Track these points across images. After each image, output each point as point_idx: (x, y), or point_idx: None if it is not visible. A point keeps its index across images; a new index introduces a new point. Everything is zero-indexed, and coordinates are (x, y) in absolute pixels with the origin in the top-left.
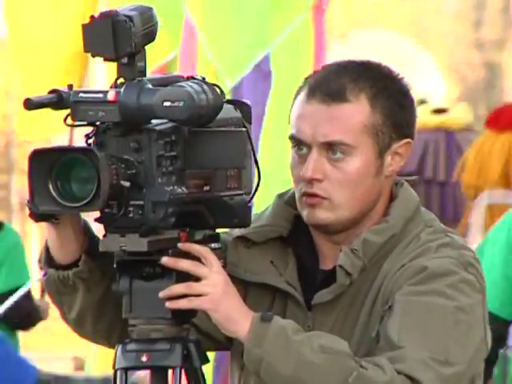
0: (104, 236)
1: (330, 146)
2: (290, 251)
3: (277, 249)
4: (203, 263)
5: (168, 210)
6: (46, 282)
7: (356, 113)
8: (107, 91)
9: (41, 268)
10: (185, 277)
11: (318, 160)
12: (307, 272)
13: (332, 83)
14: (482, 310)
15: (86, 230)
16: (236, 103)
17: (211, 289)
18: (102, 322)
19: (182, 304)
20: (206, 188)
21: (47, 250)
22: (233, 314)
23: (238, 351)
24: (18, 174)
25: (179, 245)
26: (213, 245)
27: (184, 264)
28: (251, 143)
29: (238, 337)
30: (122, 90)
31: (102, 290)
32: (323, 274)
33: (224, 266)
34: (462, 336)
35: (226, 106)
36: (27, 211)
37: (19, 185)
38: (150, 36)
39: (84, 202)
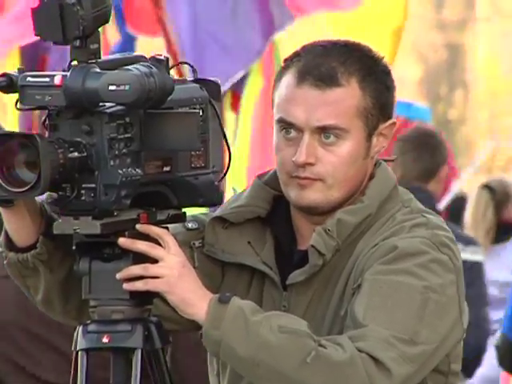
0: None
1: (322, 131)
2: (268, 232)
3: (254, 229)
4: (161, 245)
5: (121, 193)
6: (8, 265)
7: (348, 97)
8: (54, 75)
9: (1, 253)
10: (142, 258)
11: (310, 144)
12: (284, 252)
13: (322, 67)
14: (456, 291)
15: (43, 211)
16: (203, 82)
17: (167, 271)
18: (70, 302)
19: (138, 286)
20: (166, 168)
21: (6, 233)
22: (190, 296)
23: None
24: None
25: (137, 226)
26: (190, 224)
27: (140, 245)
28: (219, 121)
29: (196, 319)
30: (68, 73)
31: (65, 270)
32: (299, 254)
33: (201, 246)
34: (431, 315)
35: (190, 85)
36: None
37: None
38: (103, 17)
39: (27, 187)
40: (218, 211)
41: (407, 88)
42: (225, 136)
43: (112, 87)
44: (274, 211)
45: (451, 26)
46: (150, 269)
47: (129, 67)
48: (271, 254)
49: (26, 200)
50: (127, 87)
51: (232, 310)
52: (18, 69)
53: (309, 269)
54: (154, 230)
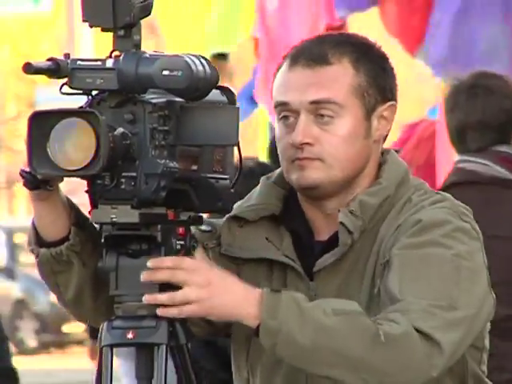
0: (94, 208)
1: (317, 109)
2: (283, 228)
3: (270, 226)
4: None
5: (160, 183)
6: (39, 263)
7: (341, 74)
8: (105, 60)
9: (32, 251)
10: (172, 252)
11: (307, 124)
12: (303, 245)
13: (313, 49)
14: (482, 258)
15: (70, 202)
16: (221, 88)
17: (195, 294)
18: (100, 297)
19: (173, 313)
20: (194, 167)
21: (35, 230)
22: (230, 304)
23: (242, 336)
24: (4, 152)
25: (148, 264)
26: (203, 227)
27: (161, 275)
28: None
29: (247, 321)
30: (121, 58)
31: (95, 263)
32: (320, 245)
33: (215, 247)
34: (466, 281)
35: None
36: (17, 186)
37: (5, 162)
38: (147, 10)
39: (83, 165)
40: (233, 211)
41: (430, 85)
42: (238, 145)
43: (165, 72)
44: (286, 209)
45: None
46: (177, 297)
47: (180, 54)
48: (291, 247)
49: (83, 178)
50: (180, 73)
51: (285, 299)
52: (65, 54)
53: (339, 249)
54: (167, 264)
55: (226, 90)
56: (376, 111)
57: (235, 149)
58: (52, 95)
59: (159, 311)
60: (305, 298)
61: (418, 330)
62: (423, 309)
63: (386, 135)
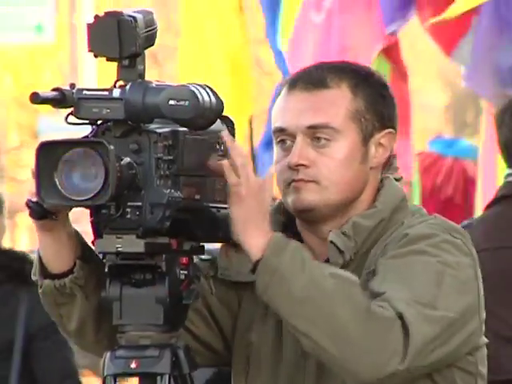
0: (98, 237)
1: (314, 133)
2: None
3: None
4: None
5: (166, 213)
6: (43, 294)
7: (338, 98)
8: (112, 89)
9: (36, 281)
10: (176, 282)
11: (303, 147)
12: None
13: (313, 73)
14: (475, 276)
15: (77, 234)
16: (221, 118)
17: (252, 188)
18: (102, 330)
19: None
20: (197, 197)
21: (40, 260)
22: (253, 226)
23: (241, 359)
24: (7, 182)
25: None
26: (203, 256)
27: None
28: None
29: (250, 248)
30: (128, 87)
31: (98, 296)
32: None
33: (214, 276)
34: (449, 287)
35: None
36: (19, 216)
37: (8, 192)
38: (151, 39)
39: (91, 195)
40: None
41: (433, 115)
42: None
43: (172, 102)
44: (285, 235)
45: None
46: (245, 170)
47: (186, 84)
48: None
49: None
50: (187, 103)
51: (293, 246)
52: (70, 84)
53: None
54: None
55: (225, 120)
56: (373, 137)
57: None
58: (54, 125)
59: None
60: (310, 255)
61: (398, 315)
62: (403, 299)
63: (386, 163)
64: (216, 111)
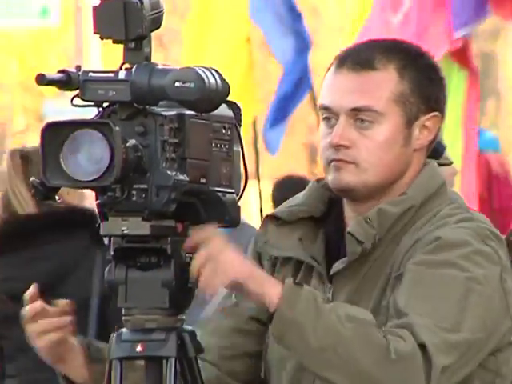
0: (104, 220)
1: (357, 114)
2: (322, 231)
3: (307, 228)
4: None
5: (171, 195)
6: None
7: (384, 81)
8: (117, 71)
9: None
10: (182, 265)
11: (345, 127)
12: (335, 249)
13: (362, 53)
14: (500, 283)
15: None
16: (228, 102)
17: (237, 259)
18: None
19: (217, 284)
20: (203, 180)
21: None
22: (263, 278)
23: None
24: None
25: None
26: None
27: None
28: (241, 144)
29: (265, 300)
30: (133, 69)
31: None
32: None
33: None
34: (474, 306)
35: None
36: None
37: None
38: (157, 22)
39: (96, 176)
40: (274, 210)
41: None
42: (244, 159)
43: (178, 84)
44: (329, 212)
45: (483, 35)
46: (220, 262)
47: (191, 66)
48: (321, 250)
49: (95, 189)
50: (192, 84)
51: (306, 293)
52: (76, 66)
53: (348, 256)
54: (202, 236)
55: (232, 105)
56: (418, 120)
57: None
58: (60, 108)
59: (200, 292)
60: (323, 298)
61: (420, 345)
62: (426, 326)
63: (429, 145)
64: (222, 94)
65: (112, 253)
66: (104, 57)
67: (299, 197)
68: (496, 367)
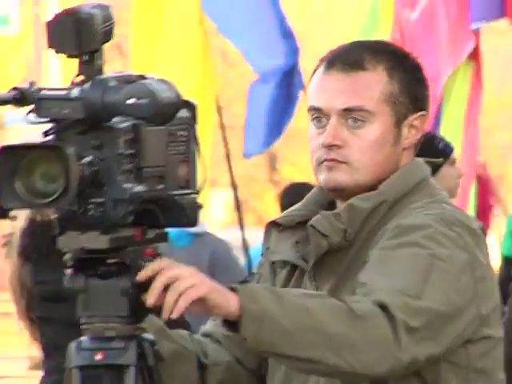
0: (61, 234)
1: (349, 114)
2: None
3: (305, 231)
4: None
5: (129, 208)
6: None
7: (374, 81)
8: (71, 88)
9: None
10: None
11: (337, 127)
12: None
13: (350, 54)
14: (471, 273)
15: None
16: (184, 102)
17: (192, 278)
18: None
19: (182, 305)
20: (160, 187)
21: None
22: (221, 288)
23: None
24: None
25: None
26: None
27: (158, 283)
28: (197, 143)
29: (228, 310)
30: (87, 86)
31: None
32: None
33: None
34: (436, 279)
35: None
36: None
37: None
38: (109, 34)
39: (52, 198)
40: (277, 217)
41: None
42: (202, 158)
43: (131, 101)
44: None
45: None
46: (180, 286)
47: (144, 81)
48: (313, 251)
49: (52, 210)
50: (145, 101)
51: (258, 286)
52: (30, 82)
53: (315, 250)
54: (152, 268)
55: (187, 104)
56: (407, 119)
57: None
58: (21, 117)
59: (169, 315)
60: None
61: (381, 306)
62: (388, 290)
63: (416, 144)
64: (175, 105)
65: (71, 262)
66: (63, 65)
67: (300, 202)
68: (468, 362)
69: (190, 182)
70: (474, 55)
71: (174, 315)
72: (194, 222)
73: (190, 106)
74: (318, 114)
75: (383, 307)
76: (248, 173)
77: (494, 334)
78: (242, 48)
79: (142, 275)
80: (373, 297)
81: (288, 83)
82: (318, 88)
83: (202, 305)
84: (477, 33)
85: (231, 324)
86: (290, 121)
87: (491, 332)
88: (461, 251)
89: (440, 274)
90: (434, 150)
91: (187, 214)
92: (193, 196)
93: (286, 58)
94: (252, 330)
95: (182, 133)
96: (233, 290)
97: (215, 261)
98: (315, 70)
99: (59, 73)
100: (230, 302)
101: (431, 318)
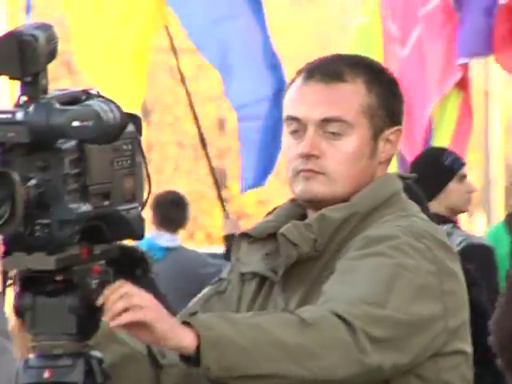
0: (7, 254)
1: (327, 125)
2: None
3: (275, 243)
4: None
5: (74, 228)
6: None
7: (353, 93)
8: (15, 111)
9: None
10: (88, 292)
11: (314, 137)
12: None
13: (330, 66)
14: (438, 284)
15: None
16: (128, 115)
17: (146, 301)
18: None
19: (127, 317)
20: (106, 203)
21: None
22: (173, 321)
23: None
24: None
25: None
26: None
27: (119, 306)
28: (143, 155)
29: (185, 342)
30: (31, 110)
31: None
32: None
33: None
34: (401, 289)
35: None
36: None
37: None
38: (53, 54)
39: None
40: (247, 228)
41: None
42: (147, 169)
43: (76, 123)
44: None
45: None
46: (132, 301)
47: (89, 102)
48: (283, 263)
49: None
50: (90, 123)
51: (207, 315)
52: None
53: (284, 259)
54: (112, 289)
55: (131, 117)
56: (383, 133)
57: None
58: None
59: (112, 322)
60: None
61: (337, 315)
62: (345, 300)
63: (390, 159)
64: (120, 126)
65: (19, 281)
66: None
67: (274, 213)
68: (437, 375)
69: (135, 195)
70: (462, 84)
71: (114, 323)
72: (139, 235)
73: (135, 119)
74: (296, 125)
75: (338, 315)
76: (197, 190)
77: (466, 348)
78: (226, 82)
79: (101, 300)
80: (328, 305)
81: (276, 113)
82: (296, 98)
83: (151, 333)
84: (465, 65)
85: (187, 359)
86: (280, 150)
87: (461, 346)
88: (428, 263)
89: (405, 284)
90: (439, 166)
91: (133, 228)
92: (137, 210)
93: (272, 87)
94: (213, 356)
95: (126, 147)
96: (184, 323)
97: (189, 274)
98: (292, 81)
99: (8, 88)
100: (182, 334)
101: (394, 327)
